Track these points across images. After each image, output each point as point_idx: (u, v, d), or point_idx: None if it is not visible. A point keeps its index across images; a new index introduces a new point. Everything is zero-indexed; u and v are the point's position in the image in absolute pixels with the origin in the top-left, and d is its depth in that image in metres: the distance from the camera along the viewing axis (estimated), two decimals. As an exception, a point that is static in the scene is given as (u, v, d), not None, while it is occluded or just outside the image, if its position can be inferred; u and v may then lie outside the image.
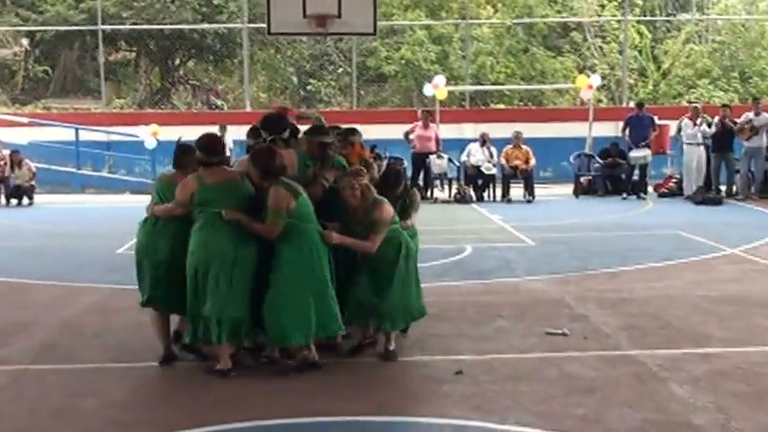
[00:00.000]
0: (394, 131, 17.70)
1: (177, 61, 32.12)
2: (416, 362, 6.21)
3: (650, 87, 28.59)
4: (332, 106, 29.07)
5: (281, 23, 15.21)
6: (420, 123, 17.24)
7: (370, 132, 16.70)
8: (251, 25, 22.63)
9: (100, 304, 8.28)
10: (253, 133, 6.39)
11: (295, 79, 31.05)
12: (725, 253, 10.55)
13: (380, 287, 5.99)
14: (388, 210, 5.99)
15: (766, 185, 16.52)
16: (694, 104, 17.35)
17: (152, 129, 20.03)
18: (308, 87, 29.61)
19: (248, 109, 21.61)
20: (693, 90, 27.90)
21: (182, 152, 6.20)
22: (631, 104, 19.99)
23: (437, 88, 18.66)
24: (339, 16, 14.70)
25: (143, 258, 6.17)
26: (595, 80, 19.27)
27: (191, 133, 20.37)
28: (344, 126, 7.31)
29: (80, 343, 6.86)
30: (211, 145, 6.06)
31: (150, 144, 20.01)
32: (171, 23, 26.81)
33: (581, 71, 29.22)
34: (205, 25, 27.40)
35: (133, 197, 18.67)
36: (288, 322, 5.72)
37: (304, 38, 30.08)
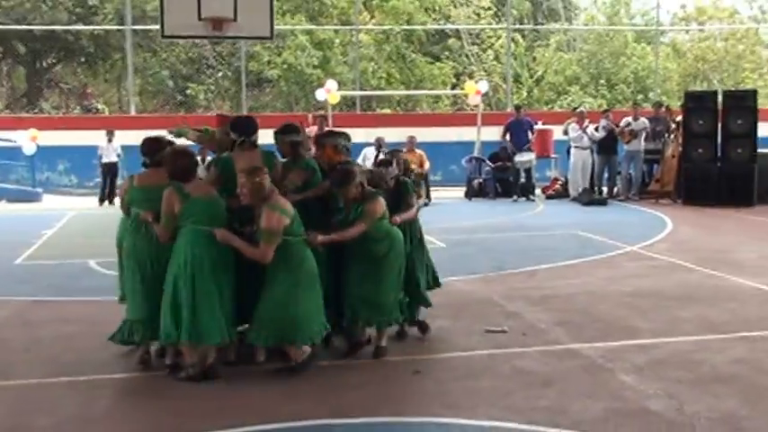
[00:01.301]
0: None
1: (46, 63, 31.07)
2: (372, 363, 6.31)
3: (524, 93, 29.64)
4: (212, 111, 28.77)
5: (175, 26, 14.92)
6: (315, 128, 17.30)
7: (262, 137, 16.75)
8: (135, 27, 22.15)
9: (18, 317, 7.98)
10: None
11: (171, 83, 30.56)
12: (625, 251, 11.12)
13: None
14: (276, 218, 5.70)
15: (644, 187, 17.43)
16: (580, 109, 18.11)
17: (31, 133, 19.34)
18: (188, 92, 29.19)
19: (132, 113, 21.13)
20: (565, 96, 29.14)
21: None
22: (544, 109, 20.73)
23: (329, 93, 18.78)
24: (235, 19, 14.63)
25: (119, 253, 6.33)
26: (483, 86, 19.82)
27: (70, 138, 20.01)
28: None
29: (11, 358, 6.59)
30: (146, 147, 6.22)
31: (29, 150, 19.32)
32: (43, 24, 25.90)
33: (457, 77, 30.08)
34: (87, 26, 26.60)
35: (10, 206, 17.99)
36: (165, 321, 5.77)
37: (180, 41, 29.76)
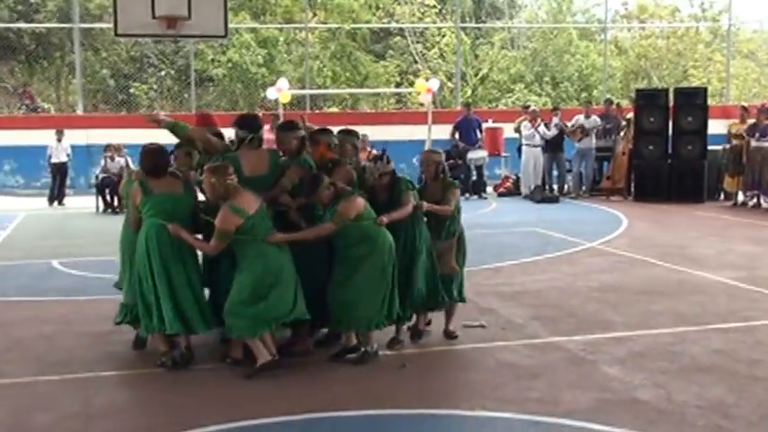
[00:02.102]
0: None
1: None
2: (359, 358, 6.31)
3: (469, 92, 29.82)
4: (155, 110, 28.35)
5: (128, 25, 14.80)
6: (267, 126, 17.19)
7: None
8: (83, 25, 21.76)
9: (-11, 319, 7.82)
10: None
11: (112, 82, 30.08)
12: (586, 247, 11.30)
13: None
14: (227, 217, 5.72)
15: (596, 184, 17.70)
16: (533, 108, 18.31)
17: (-22, 134, 18.88)
18: (131, 91, 28.74)
19: (80, 112, 20.73)
20: (510, 94, 29.38)
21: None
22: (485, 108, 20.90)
23: (281, 92, 18.67)
24: (189, 18, 14.53)
25: None
26: (434, 84, 19.89)
27: (16, 138, 19.53)
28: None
29: (-5, 358, 6.51)
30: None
31: (-23, 150, 18.88)
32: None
33: (402, 75, 30.18)
34: (35, 24, 26.01)
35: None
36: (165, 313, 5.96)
37: (122, 39, 29.31)
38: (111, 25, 23.79)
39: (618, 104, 18.32)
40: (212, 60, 27.54)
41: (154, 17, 14.52)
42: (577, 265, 10.01)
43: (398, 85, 29.49)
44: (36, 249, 11.66)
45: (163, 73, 29.50)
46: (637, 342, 6.67)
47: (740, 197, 15.59)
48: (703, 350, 6.43)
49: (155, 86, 29.41)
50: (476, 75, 30.36)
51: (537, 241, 11.87)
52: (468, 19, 32.24)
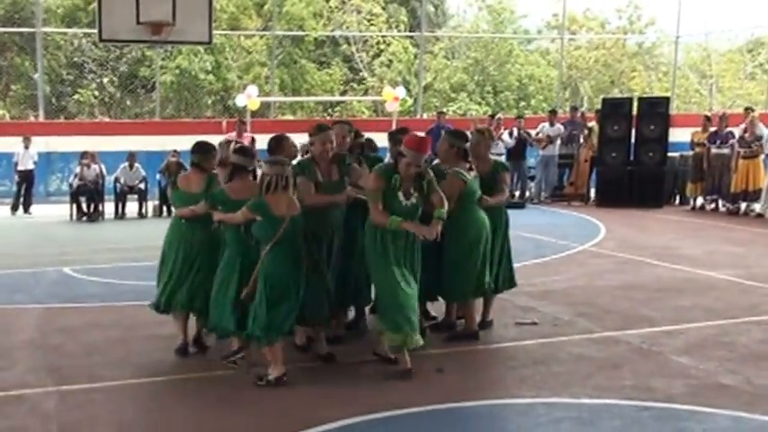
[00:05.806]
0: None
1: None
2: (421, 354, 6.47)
3: (411, 101, 30.33)
4: (96, 117, 28.01)
5: (113, 30, 14.81)
6: (234, 133, 17.27)
7: (177, 144, 16.51)
8: (46, 29, 21.42)
9: (48, 324, 7.75)
10: (394, 139, 7.02)
11: (48, 88, 29.54)
12: (579, 249, 11.81)
13: None
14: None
15: (557, 190, 18.33)
16: (498, 116, 18.86)
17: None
18: (75, 97, 28.29)
19: (41, 119, 20.37)
20: (452, 103, 30.02)
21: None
22: (425, 116, 21.35)
23: (250, 98, 18.78)
24: (174, 24, 14.63)
25: None
26: (400, 92, 20.30)
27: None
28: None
29: (83, 362, 6.52)
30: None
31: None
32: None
33: (346, 84, 30.54)
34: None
35: None
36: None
37: (61, 44, 28.89)
38: (73, 30, 23.65)
39: (582, 113, 18.98)
40: (161, 66, 27.37)
41: (139, 23, 14.58)
42: (585, 266, 10.50)
43: (344, 93, 29.94)
44: (35, 258, 11.45)
45: (105, 80, 29.16)
46: (687, 334, 7.16)
47: (698, 201, 16.39)
48: (751, 341, 6.95)
49: (96, 93, 29.07)
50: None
51: (529, 244, 12.27)
52: (403, 27, 32.84)
